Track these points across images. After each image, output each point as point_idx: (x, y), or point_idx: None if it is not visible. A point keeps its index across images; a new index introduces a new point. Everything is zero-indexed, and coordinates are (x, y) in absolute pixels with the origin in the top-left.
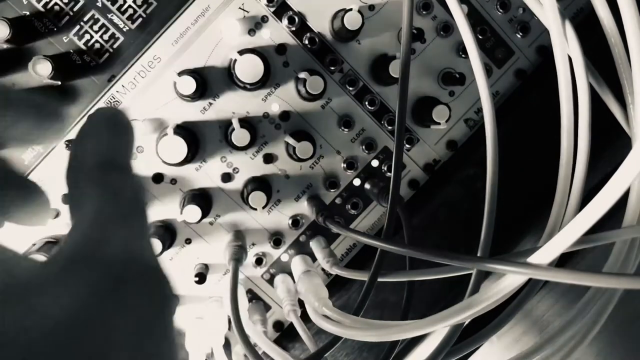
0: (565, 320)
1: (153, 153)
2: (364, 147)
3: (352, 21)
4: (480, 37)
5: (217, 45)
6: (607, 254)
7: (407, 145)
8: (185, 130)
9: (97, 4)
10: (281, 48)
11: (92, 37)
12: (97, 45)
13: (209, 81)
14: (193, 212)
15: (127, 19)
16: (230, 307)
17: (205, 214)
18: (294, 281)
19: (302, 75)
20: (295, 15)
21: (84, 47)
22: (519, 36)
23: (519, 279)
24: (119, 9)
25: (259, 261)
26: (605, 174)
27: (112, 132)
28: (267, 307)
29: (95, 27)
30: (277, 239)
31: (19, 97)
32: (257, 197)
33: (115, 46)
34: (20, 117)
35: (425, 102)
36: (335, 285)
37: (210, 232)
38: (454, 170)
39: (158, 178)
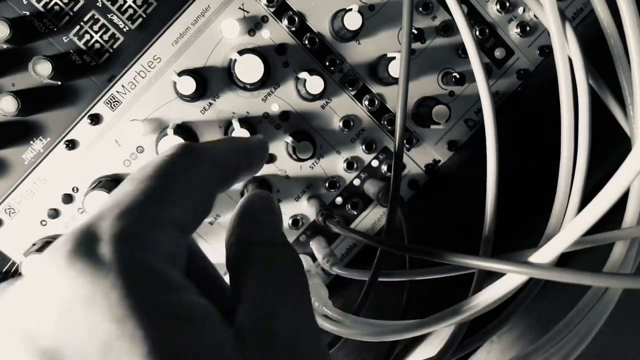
0: (565, 321)
1: (153, 153)
2: (364, 147)
3: (352, 21)
4: (480, 37)
5: (217, 45)
6: (607, 254)
7: (407, 145)
8: (185, 130)
9: (97, 4)
10: (281, 48)
11: (92, 37)
12: (97, 46)
13: (209, 81)
14: None
15: (127, 19)
16: None
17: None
18: None
19: (302, 75)
20: (295, 15)
21: (84, 47)
22: (519, 36)
23: (519, 278)
24: (119, 9)
25: None
26: (605, 174)
27: (268, 213)
28: None
29: (95, 27)
30: None
31: None
32: None
33: (115, 46)
34: None
35: (425, 102)
36: (335, 285)
37: (210, 232)
38: (454, 170)
39: None
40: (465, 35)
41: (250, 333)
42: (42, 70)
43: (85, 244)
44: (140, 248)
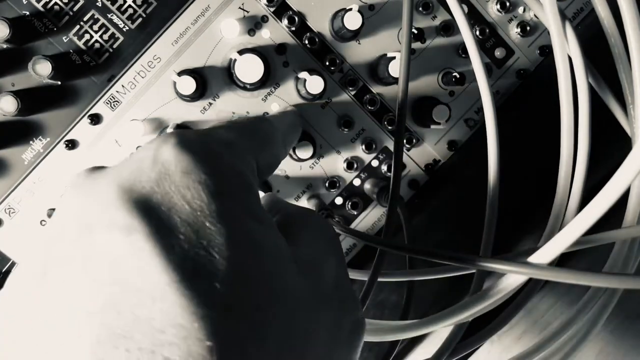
0: (565, 320)
1: None
2: (364, 147)
3: (352, 21)
4: (480, 37)
5: (217, 45)
6: (607, 254)
7: (407, 145)
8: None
9: (97, 3)
10: (281, 48)
11: (92, 37)
12: (97, 45)
13: (209, 81)
14: None
15: (127, 18)
16: None
17: None
18: None
19: (302, 75)
20: (295, 15)
21: (83, 47)
22: (519, 36)
23: (519, 278)
24: (118, 8)
25: None
26: (605, 174)
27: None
28: None
29: (95, 27)
30: None
31: None
32: None
33: (115, 46)
34: None
35: (425, 102)
36: None
37: None
38: (454, 170)
39: None
40: (466, 34)
41: (303, 267)
42: (42, 70)
43: (198, 139)
44: (239, 157)
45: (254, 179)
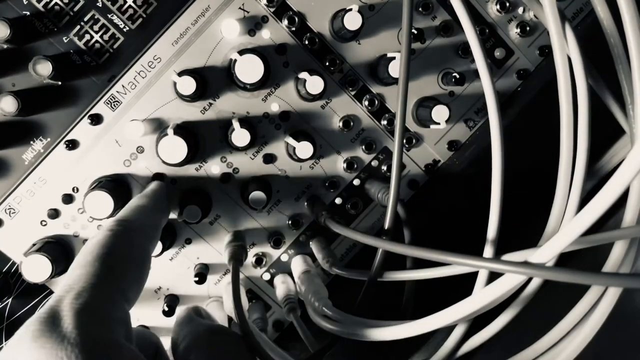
0: (565, 320)
1: (153, 153)
2: (364, 147)
3: (352, 21)
4: (480, 37)
5: (217, 46)
6: (607, 254)
7: (407, 145)
8: (186, 130)
9: (97, 4)
10: (281, 48)
11: (92, 37)
12: (97, 46)
13: (209, 81)
14: (193, 212)
15: (127, 19)
16: (233, 307)
17: (205, 214)
18: (293, 281)
19: (302, 75)
20: (295, 15)
21: (84, 47)
22: (519, 36)
23: (519, 278)
24: (119, 9)
25: (259, 261)
26: (605, 173)
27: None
28: (267, 307)
29: (96, 28)
30: (277, 239)
31: None
32: (257, 197)
33: (115, 46)
34: None
35: (425, 102)
36: (335, 285)
37: (210, 232)
38: (454, 170)
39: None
40: (469, 33)
41: None
42: (42, 70)
43: (48, 322)
44: (95, 322)
45: (120, 338)
